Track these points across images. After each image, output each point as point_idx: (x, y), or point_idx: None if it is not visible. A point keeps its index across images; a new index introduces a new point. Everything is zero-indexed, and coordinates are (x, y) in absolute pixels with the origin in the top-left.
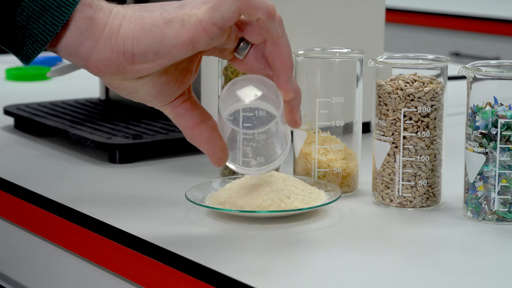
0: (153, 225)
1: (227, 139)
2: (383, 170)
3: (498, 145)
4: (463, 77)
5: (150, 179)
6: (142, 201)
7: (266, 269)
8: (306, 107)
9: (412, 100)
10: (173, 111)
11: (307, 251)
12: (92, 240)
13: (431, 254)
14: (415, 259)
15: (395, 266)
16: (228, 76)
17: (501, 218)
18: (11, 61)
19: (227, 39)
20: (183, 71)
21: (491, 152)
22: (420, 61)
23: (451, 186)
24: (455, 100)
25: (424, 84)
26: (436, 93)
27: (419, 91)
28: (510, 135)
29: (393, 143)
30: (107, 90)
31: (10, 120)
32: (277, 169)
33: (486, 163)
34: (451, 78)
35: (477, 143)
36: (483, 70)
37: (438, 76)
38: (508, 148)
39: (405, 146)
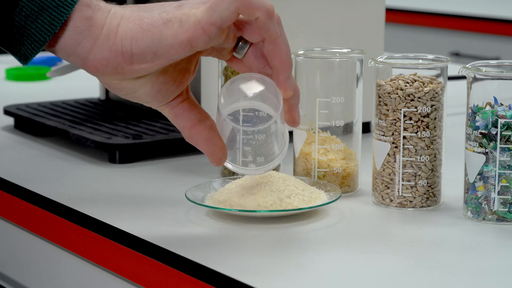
0: (153, 225)
1: (226, 139)
2: (383, 170)
3: (498, 145)
4: (463, 77)
5: (150, 179)
6: (142, 201)
7: (266, 269)
8: (306, 107)
9: (412, 100)
10: (171, 111)
11: (307, 251)
12: (92, 240)
13: (431, 254)
14: (415, 259)
15: (395, 266)
16: (228, 76)
17: (501, 218)
18: (11, 61)
19: (226, 39)
20: (182, 71)
21: (491, 152)
22: (420, 61)
23: (451, 186)
24: (455, 100)
25: (424, 84)
26: (436, 93)
27: (419, 91)
28: (510, 135)
29: (393, 143)
30: (107, 90)
31: (10, 120)
32: (277, 169)
33: (486, 163)
34: (451, 78)
35: (477, 143)
36: (483, 70)
37: (438, 76)
38: (508, 148)
39: (405, 146)
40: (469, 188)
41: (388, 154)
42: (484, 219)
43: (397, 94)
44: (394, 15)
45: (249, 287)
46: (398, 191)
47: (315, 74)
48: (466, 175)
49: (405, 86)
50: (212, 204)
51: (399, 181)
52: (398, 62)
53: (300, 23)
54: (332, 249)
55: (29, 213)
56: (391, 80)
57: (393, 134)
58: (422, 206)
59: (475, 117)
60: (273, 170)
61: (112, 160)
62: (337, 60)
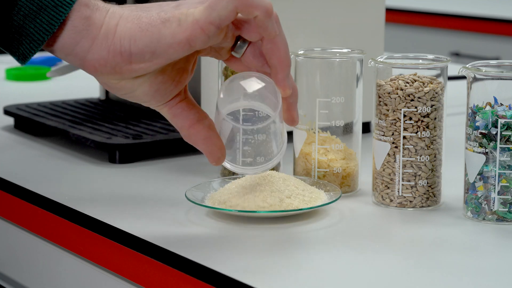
0: (153, 225)
1: (225, 139)
2: (383, 170)
3: (498, 145)
4: (463, 77)
5: (150, 179)
6: (142, 201)
7: (266, 269)
8: (306, 107)
9: (412, 100)
10: (169, 111)
11: (307, 251)
12: (92, 240)
13: (431, 254)
14: (415, 259)
15: (395, 266)
16: (228, 76)
17: (501, 218)
18: (11, 61)
19: (224, 38)
20: (180, 71)
21: (491, 152)
22: (420, 61)
23: (451, 186)
24: (455, 100)
25: (424, 84)
26: (436, 93)
27: (419, 91)
28: (510, 135)
29: (393, 143)
30: (107, 90)
31: (10, 120)
32: (277, 169)
33: (486, 163)
34: (451, 78)
35: (477, 143)
36: (483, 70)
37: (438, 76)
38: (508, 148)
39: (405, 146)
40: (469, 188)
41: (388, 154)
42: (484, 219)
43: (397, 94)
44: (394, 15)
45: (249, 287)
46: (398, 191)
47: (315, 74)
48: (466, 175)
49: (405, 86)
50: (212, 204)
51: (399, 181)
52: (398, 62)
53: (299, 23)
54: (332, 249)
55: (29, 213)
56: (391, 80)
57: (393, 134)
58: (422, 206)
59: (475, 117)
60: (273, 170)
61: (112, 160)
62: (337, 60)
